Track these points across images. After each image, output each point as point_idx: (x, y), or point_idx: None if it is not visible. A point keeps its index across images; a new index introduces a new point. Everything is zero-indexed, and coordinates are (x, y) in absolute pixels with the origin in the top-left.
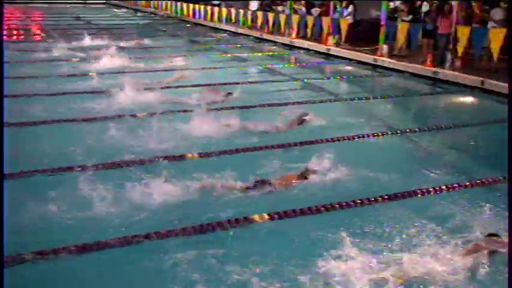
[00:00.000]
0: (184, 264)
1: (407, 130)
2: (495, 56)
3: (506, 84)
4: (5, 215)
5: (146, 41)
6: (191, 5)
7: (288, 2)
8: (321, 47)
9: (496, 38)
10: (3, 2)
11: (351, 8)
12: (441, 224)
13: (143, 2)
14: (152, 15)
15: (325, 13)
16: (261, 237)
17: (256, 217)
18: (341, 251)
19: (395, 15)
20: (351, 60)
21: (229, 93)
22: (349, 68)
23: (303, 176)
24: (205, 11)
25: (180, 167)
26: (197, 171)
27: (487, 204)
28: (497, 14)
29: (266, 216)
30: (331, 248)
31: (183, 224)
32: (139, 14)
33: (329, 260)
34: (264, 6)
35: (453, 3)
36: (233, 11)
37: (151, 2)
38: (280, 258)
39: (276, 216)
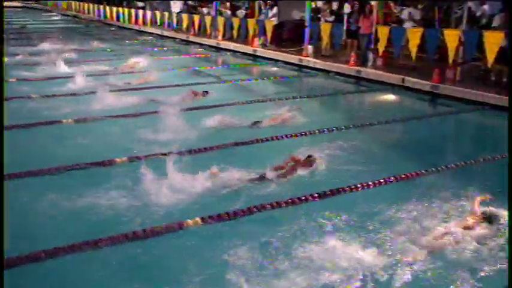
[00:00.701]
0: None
1: (335, 128)
2: (413, 54)
3: (425, 81)
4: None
5: (73, 46)
6: (115, 9)
7: (214, 3)
8: (248, 49)
9: (413, 37)
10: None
11: (275, 10)
12: (368, 219)
13: (64, 5)
14: (75, 19)
15: (251, 15)
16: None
17: (190, 222)
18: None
19: (319, 16)
20: (277, 61)
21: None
22: (276, 68)
23: None
24: (129, 14)
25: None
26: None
27: (412, 198)
28: (414, 14)
29: (199, 221)
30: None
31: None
32: (60, 17)
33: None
34: (189, 9)
35: (373, 3)
36: (158, 13)
37: (73, 5)
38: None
39: (210, 220)
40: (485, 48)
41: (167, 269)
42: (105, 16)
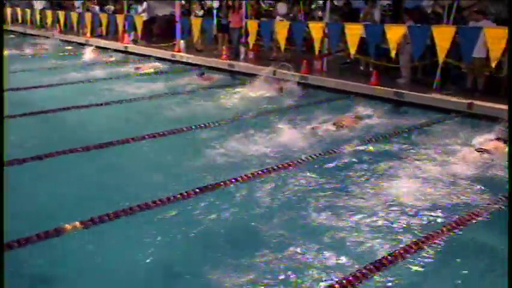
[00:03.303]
0: None
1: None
2: (282, 47)
3: (295, 73)
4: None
5: None
6: None
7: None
8: (118, 45)
9: (281, 31)
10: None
11: (145, 5)
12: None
13: None
14: None
15: (120, 10)
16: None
17: (68, 226)
18: None
19: (189, 10)
20: (149, 56)
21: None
22: (149, 64)
23: None
24: None
25: None
26: None
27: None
28: (282, 8)
29: (78, 224)
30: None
31: None
32: None
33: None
34: (54, 5)
35: None
36: (19, 10)
37: None
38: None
39: (90, 222)
40: (347, 39)
41: None
42: None
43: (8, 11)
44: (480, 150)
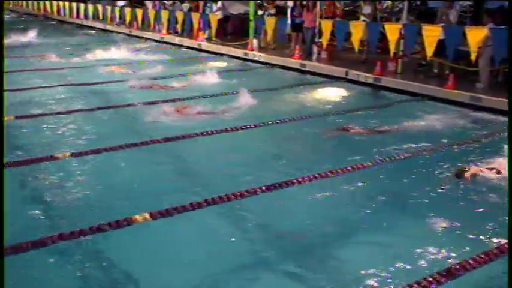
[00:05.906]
0: None
1: (276, 121)
2: (356, 47)
3: (368, 74)
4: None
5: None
6: (55, 2)
7: None
8: (193, 43)
9: (356, 31)
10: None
11: (219, 3)
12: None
13: None
14: (10, 12)
15: (196, 9)
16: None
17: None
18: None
19: (264, 10)
20: (222, 55)
21: None
22: (222, 62)
23: None
24: (71, 8)
25: None
26: None
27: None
28: (366, 8)
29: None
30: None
31: None
32: None
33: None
34: (133, 2)
35: None
36: (100, 7)
37: None
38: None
39: (159, 215)
40: (424, 41)
41: None
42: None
43: (90, 7)
44: None
